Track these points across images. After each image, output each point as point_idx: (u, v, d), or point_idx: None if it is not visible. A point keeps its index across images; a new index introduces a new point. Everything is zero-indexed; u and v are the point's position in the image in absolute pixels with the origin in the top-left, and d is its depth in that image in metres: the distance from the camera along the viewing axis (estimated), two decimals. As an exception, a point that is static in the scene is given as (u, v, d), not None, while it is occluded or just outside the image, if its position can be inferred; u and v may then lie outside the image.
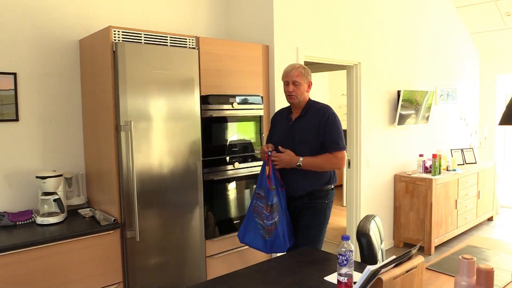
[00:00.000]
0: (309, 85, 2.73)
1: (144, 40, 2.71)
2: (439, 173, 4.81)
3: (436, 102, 5.48)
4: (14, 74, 2.71)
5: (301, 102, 2.70)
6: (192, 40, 2.93)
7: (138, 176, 2.62)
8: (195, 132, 2.90)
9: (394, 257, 1.50)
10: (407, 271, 1.50)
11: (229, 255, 3.17)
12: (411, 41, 4.95)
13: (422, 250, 4.66)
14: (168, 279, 2.80)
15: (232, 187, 3.20)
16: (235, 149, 3.19)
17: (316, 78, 9.10)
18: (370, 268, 1.40)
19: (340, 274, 1.61)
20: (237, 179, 3.22)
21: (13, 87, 2.71)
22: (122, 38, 2.60)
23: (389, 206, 4.88)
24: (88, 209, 2.91)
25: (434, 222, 4.65)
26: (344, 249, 1.60)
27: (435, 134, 5.53)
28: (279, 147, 2.65)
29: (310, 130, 2.62)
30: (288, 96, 2.68)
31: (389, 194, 4.85)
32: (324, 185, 2.69)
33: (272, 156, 2.63)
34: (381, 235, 2.36)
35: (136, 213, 2.60)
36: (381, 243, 2.35)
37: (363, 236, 2.08)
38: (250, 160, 3.30)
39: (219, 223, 3.13)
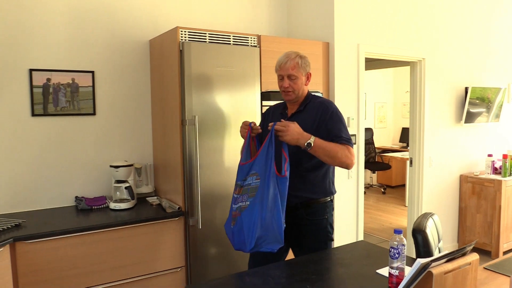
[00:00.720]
0: (308, 77, 2.27)
1: (209, 39, 2.86)
2: (510, 174, 4.55)
3: (509, 99, 5.17)
4: (92, 72, 2.99)
5: (299, 98, 2.25)
6: (254, 38, 3.04)
7: (201, 168, 2.78)
8: (255, 127, 3.01)
9: (446, 252, 1.50)
10: (460, 267, 1.49)
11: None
12: (481, 35, 4.71)
13: (489, 255, 4.44)
14: (226, 267, 2.94)
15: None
16: (293, 144, 3.26)
17: (380, 74, 8.94)
18: (420, 261, 1.42)
19: (391, 267, 1.64)
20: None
21: (91, 84, 2.98)
22: (189, 38, 2.77)
23: (454, 207, 4.70)
24: (155, 197, 3.13)
25: (503, 226, 4.41)
26: (396, 243, 1.62)
27: (506, 133, 5.23)
28: (281, 120, 2.10)
29: (308, 129, 2.08)
30: (284, 92, 2.22)
31: (453, 195, 4.67)
32: (322, 195, 2.25)
33: (277, 124, 2.04)
34: (439, 234, 2.32)
35: (199, 202, 2.76)
36: (439, 242, 2.31)
37: (418, 233, 2.06)
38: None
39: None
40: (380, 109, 9.04)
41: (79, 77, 2.93)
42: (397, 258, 1.63)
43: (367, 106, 8.65)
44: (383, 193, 7.91)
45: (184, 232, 2.82)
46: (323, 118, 2.15)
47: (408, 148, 5.18)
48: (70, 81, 2.89)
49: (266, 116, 2.42)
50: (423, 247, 2.06)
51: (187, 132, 2.75)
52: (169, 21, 3.30)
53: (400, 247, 1.63)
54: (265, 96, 3.08)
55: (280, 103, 2.42)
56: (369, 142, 7.98)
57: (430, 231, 2.14)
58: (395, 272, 1.61)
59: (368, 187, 8.40)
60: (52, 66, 2.84)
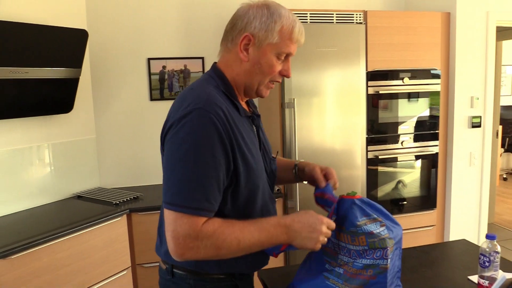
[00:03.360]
0: None
1: (310, 19, 2.78)
2: None
3: None
4: (202, 58, 3.17)
5: None
6: (359, 14, 2.86)
7: (300, 150, 2.77)
8: (360, 109, 2.87)
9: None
10: None
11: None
12: None
13: None
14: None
15: (399, 166, 3.06)
16: (404, 127, 3.03)
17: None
18: (505, 276, 1.22)
19: (481, 277, 1.44)
20: (405, 159, 3.05)
21: (201, 70, 3.16)
22: (289, 19, 2.73)
23: None
24: (259, 177, 3.24)
25: None
26: (487, 249, 1.42)
27: None
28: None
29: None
30: (272, 83, 1.26)
31: None
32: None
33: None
34: None
35: (297, 185, 2.77)
36: None
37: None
38: (421, 139, 3.08)
39: (382, 202, 3.05)
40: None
41: (190, 64, 3.13)
42: (487, 267, 1.42)
43: (507, 80, 7.48)
44: (531, 180, 6.86)
45: (283, 213, 2.87)
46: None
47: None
48: (183, 68, 3.12)
49: (228, 133, 1.11)
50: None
51: (286, 114, 2.76)
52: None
53: (493, 254, 1.42)
54: (371, 75, 2.89)
55: (216, 97, 1.13)
56: (511, 121, 6.93)
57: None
58: (484, 283, 1.41)
59: (510, 173, 7.37)
60: (166, 55, 3.09)
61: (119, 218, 2.51)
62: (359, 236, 1.20)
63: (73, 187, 2.88)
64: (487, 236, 1.43)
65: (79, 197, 2.83)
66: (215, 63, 1.28)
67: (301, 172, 1.50)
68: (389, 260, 1.20)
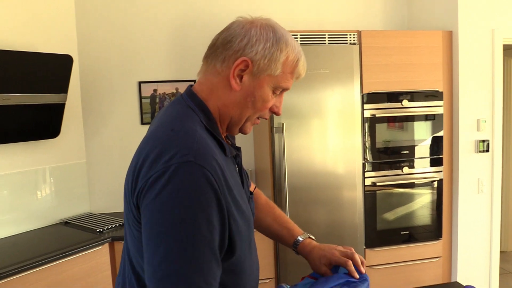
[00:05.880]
0: None
1: (301, 40, 2.69)
2: None
3: None
4: (194, 81, 3.09)
5: None
6: (353, 35, 2.75)
7: (290, 175, 2.65)
8: (355, 133, 2.73)
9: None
10: None
11: (392, 268, 2.88)
12: None
13: None
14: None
15: (399, 194, 2.88)
16: (404, 151, 2.86)
17: None
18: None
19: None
20: (406, 186, 2.88)
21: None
22: (278, 41, 2.64)
23: None
24: (252, 203, 3.12)
25: None
26: (466, 301, 1.25)
27: None
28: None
29: None
30: (259, 119, 1.07)
31: None
32: None
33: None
34: None
35: (288, 209, 2.64)
36: None
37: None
38: (424, 165, 2.89)
39: (382, 232, 2.87)
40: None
41: (182, 86, 3.08)
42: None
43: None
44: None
45: (274, 241, 2.73)
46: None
47: None
48: (174, 91, 3.06)
49: (224, 187, 0.89)
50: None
51: (276, 139, 2.65)
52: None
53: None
54: (366, 98, 2.76)
55: (206, 145, 0.89)
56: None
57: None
58: None
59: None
60: (157, 78, 3.05)
61: (100, 247, 2.44)
62: None
63: (62, 212, 2.84)
64: None
65: (66, 223, 2.78)
66: (190, 87, 1.02)
67: (306, 253, 1.24)
68: None
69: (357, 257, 1.12)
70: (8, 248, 2.38)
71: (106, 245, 2.48)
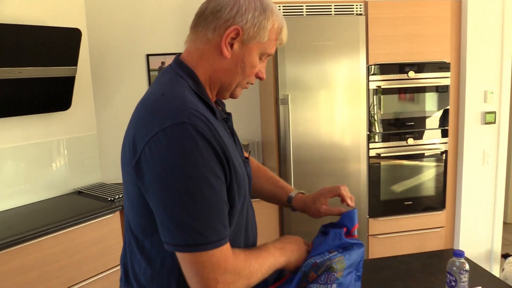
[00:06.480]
0: None
1: (306, 11, 2.68)
2: None
3: None
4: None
5: None
6: (360, 5, 2.72)
7: (295, 146, 2.69)
8: (360, 105, 2.75)
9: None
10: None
11: (394, 238, 2.95)
12: None
13: None
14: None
15: (403, 165, 2.92)
16: (409, 123, 2.87)
17: None
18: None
19: (449, 295, 1.33)
20: (410, 156, 2.90)
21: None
22: (283, 12, 2.64)
23: None
24: (258, 174, 3.19)
25: None
26: (454, 268, 1.31)
27: None
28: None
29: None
30: (247, 85, 1.12)
31: None
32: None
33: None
34: None
35: (292, 181, 2.70)
36: None
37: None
38: (429, 136, 2.91)
39: (386, 202, 2.92)
40: None
41: (189, 59, 3.11)
42: (453, 286, 1.32)
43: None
44: None
45: (279, 212, 2.81)
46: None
47: None
48: (182, 63, 3.10)
49: (220, 141, 0.95)
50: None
51: (281, 111, 2.68)
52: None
53: (462, 272, 1.31)
54: (372, 69, 2.76)
55: (196, 106, 0.95)
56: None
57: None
58: (448, 303, 1.31)
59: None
60: (165, 51, 3.08)
61: (111, 215, 2.54)
62: (310, 273, 1.13)
63: (75, 182, 2.95)
64: (455, 253, 1.32)
65: (79, 192, 2.89)
66: (178, 56, 1.08)
67: (301, 204, 1.33)
68: (334, 285, 1.12)
69: (345, 190, 1.25)
70: (25, 215, 2.50)
71: (117, 213, 2.58)
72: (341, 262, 1.12)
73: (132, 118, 0.99)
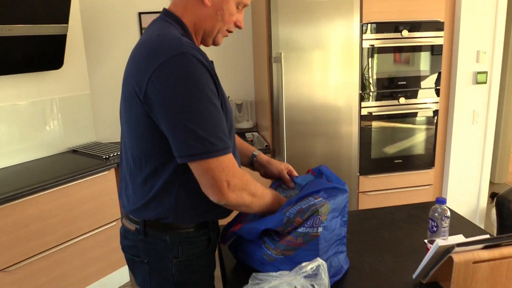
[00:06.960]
0: None
1: (300, -32, 2.63)
2: None
3: None
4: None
5: None
6: (354, -39, 2.68)
7: (288, 107, 2.72)
8: (353, 64, 2.76)
9: (487, 236, 1.21)
10: (504, 257, 1.19)
11: (383, 194, 3.03)
12: None
13: None
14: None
15: (394, 123, 2.96)
16: (402, 82, 2.89)
17: None
18: (438, 243, 1.18)
19: (430, 241, 1.40)
20: (401, 116, 2.94)
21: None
22: (277, -32, 2.59)
23: None
24: (251, 133, 3.22)
25: None
26: (436, 214, 1.37)
27: None
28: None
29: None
30: (227, 32, 1.24)
31: None
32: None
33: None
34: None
35: (284, 141, 2.74)
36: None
37: (502, 203, 1.68)
38: (420, 96, 2.93)
39: (376, 160, 2.99)
40: None
41: (181, 17, 3.07)
42: (435, 232, 1.39)
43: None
44: None
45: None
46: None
47: None
48: (174, 21, 3.06)
49: (214, 69, 1.11)
50: (507, 220, 1.69)
51: (274, 69, 2.69)
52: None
53: (443, 219, 1.37)
54: (366, 28, 2.74)
55: (196, 49, 1.06)
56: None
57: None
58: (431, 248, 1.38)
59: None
60: (157, 9, 3.03)
61: (106, 172, 2.60)
62: (295, 219, 1.18)
63: (70, 141, 2.98)
64: (437, 200, 1.38)
65: (74, 151, 2.93)
66: (165, 9, 1.20)
67: (260, 165, 1.50)
68: (319, 228, 1.18)
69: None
70: (20, 172, 2.54)
71: (112, 170, 2.64)
72: (326, 207, 1.18)
73: (130, 62, 1.09)
